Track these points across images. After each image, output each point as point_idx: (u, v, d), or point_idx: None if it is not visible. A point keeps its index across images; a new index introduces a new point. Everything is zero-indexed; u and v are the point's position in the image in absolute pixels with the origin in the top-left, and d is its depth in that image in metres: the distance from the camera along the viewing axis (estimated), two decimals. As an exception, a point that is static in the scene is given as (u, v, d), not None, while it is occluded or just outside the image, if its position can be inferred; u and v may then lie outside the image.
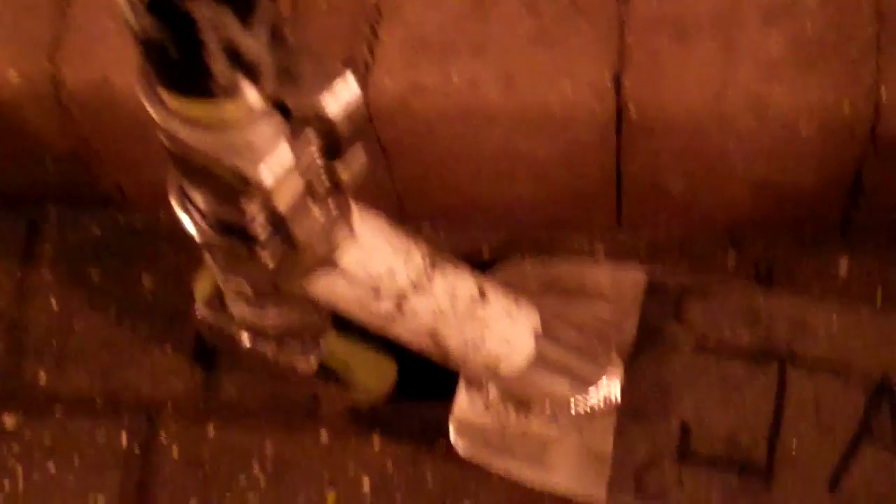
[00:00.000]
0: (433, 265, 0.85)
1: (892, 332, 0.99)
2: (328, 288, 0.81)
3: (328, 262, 0.79)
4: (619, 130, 0.99)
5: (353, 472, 1.10)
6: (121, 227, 1.23)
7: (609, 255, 1.12)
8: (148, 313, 1.19)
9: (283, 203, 0.61)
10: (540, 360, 0.93)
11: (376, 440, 1.11)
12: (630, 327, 1.00)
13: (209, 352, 1.17)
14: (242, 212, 0.64)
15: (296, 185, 0.62)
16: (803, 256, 1.10)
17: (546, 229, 1.14)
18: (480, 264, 1.11)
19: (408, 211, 1.15)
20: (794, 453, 0.96)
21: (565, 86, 0.97)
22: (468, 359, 0.90)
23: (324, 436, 1.12)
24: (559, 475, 0.97)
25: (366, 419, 1.12)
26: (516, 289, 0.99)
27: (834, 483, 0.95)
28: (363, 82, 0.99)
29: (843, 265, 1.10)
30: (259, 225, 0.64)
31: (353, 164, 0.69)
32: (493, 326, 0.89)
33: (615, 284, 1.02)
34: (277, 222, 0.65)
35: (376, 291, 0.82)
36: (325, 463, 1.11)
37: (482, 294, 0.88)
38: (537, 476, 0.97)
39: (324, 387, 1.06)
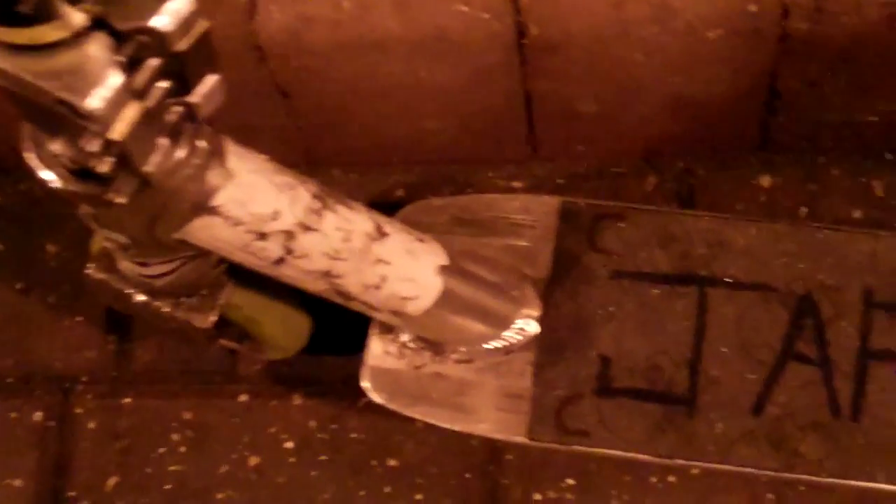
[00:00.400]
0: (323, 204, 0.80)
1: (813, 246, 0.95)
2: (207, 232, 0.76)
3: (204, 205, 0.75)
4: (522, 50, 0.95)
5: (275, 433, 1.06)
6: (21, 194, 1.17)
7: (527, 190, 1.08)
8: (55, 283, 1.14)
9: (117, 132, 0.56)
10: (449, 299, 0.89)
11: (297, 398, 1.07)
12: (545, 258, 0.96)
13: (122, 319, 1.12)
14: (83, 148, 0.59)
15: (132, 112, 0.57)
16: (724, 176, 1.06)
17: (461, 166, 1.10)
18: (395, 207, 1.07)
19: (316, 157, 1.10)
20: (716, 378, 0.92)
21: (461, 6, 0.92)
22: (371, 300, 0.86)
23: (243, 397, 1.08)
24: (478, 417, 0.93)
25: (286, 377, 1.08)
26: (424, 226, 0.95)
27: (759, 406, 0.92)
28: (249, 16, 0.94)
29: (766, 182, 1.06)
30: (101, 160, 0.59)
31: (207, 95, 0.65)
32: (393, 265, 0.84)
33: (528, 215, 0.97)
34: (120, 155, 0.60)
35: (261, 233, 0.78)
36: (245, 425, 1.06)
37: (379, 232, 0.84)
38: (456, 420, 0.93)
39: (234, 344, 1.02)
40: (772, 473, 0.90)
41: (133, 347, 1.11)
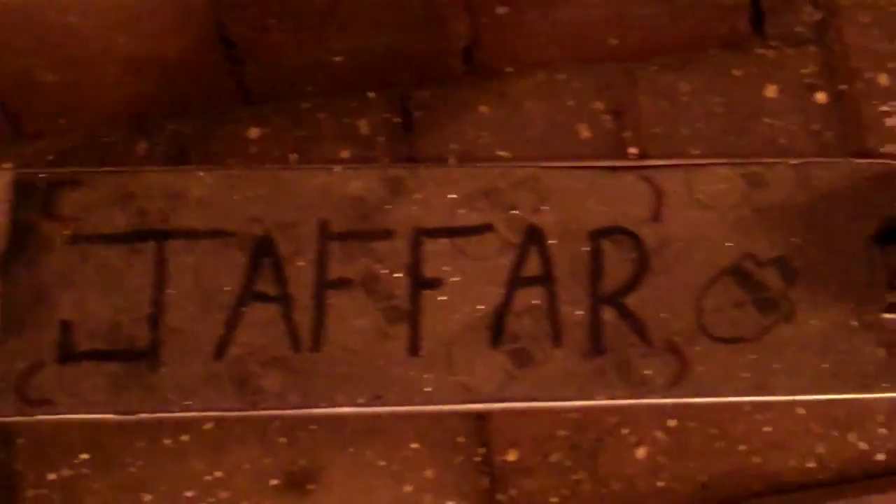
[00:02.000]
0: None
1: (269, 188, 0.96)
2: None
3: None
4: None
5: None
6: None
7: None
8: None
9: None
10: None
11: None
12: (0, 234, 0.95)
13: None
14: None
15: None
16: (214, 133, 1.06)
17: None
18: None
19: None
20: (178, 329, 0.93)
21: None
22: None
23: None
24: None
25: None
26: None
27: (221, 350, 0.93)
28: None
29: (255, 134, 1.07)
30: None
31: None
32: None
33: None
34: None
35: None
36: None
37: None
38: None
39: None
40: (236, 413, 0.91)
41: None
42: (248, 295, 0.93)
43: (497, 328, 0.94)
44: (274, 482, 1.00)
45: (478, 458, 1.02)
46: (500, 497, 1.00)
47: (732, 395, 0.94)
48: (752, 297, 0.96)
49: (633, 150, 1.07)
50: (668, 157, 1.06)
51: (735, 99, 1.09)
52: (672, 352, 0.94)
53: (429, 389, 0.92)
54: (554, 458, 1.02)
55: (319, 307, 0.93)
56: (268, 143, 1.07)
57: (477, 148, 1.07)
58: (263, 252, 0.94)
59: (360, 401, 0.91)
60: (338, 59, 1.03)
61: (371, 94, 1.08)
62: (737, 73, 1.10)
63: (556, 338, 0.94)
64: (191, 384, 0.91)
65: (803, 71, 1.10)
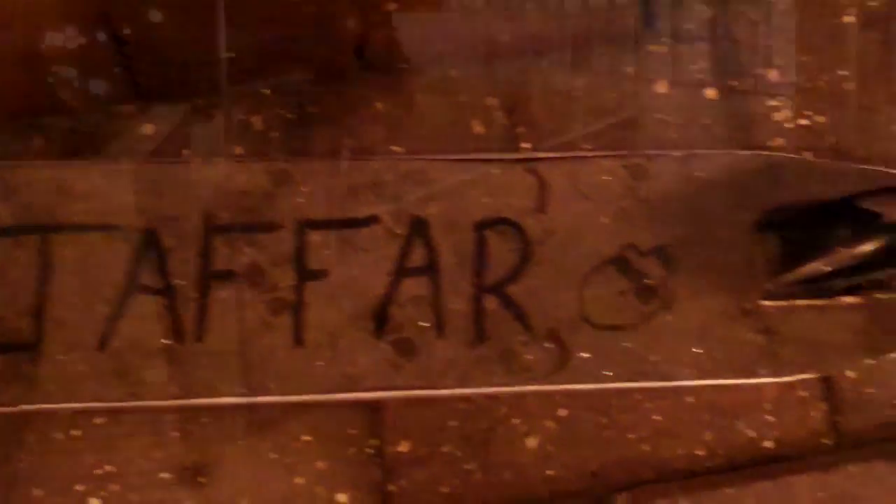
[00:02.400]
0: None
1: (155, 181, 0.97)
2: None
3: None
4: None
5: None
6: None
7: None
8: None
9: None
10: None
11: None
12: None
13: None
14: None
15: None
16: (108, 128, 1.07)
17: None
18: None
19: None
20: (62, 321, 0.93)
21: None
22: None
23: None
24: None
25: None
26: None
27: (104, 341, 0.93)
28: None
29: (149, 130, 1.07)
30: None
31: None
32: None
33: None
34: None
35: None
36: None
37: None
38: None
39: None
40: (117, 404, 0.91)
41: None
42: (133, 287, 0.94)
43: (381, 318, 0.95)
44: (165, 475, 1.00)
45: (370, 450, 1.02)
46: (391, 488, 1.01)
47: (613, 382, 0.96)
48: (632, 286, 0.98)
49: (525, 145, 1.09)
50: (559, 151, 1.08)
51: (626, 95, 1.11)
52: (553, 339, 0.96)
53: (313, 379, 0.93)
54: (445, 448, 1.03)
55: (203, 299, 0.94)
56: (162, 140, 1.08)
57: (371, 143, 1.08)
58: (148, 245, 0.95)
59: (243, 391, 0.92)
60: (230, 55, 1.04)
61: (265, 91, 1.09)
62: (628, 69, 1.12)
63: (440, 327, 0.95)
64: (73, 376, 0.91)
65: (693, 67, 1.13)
